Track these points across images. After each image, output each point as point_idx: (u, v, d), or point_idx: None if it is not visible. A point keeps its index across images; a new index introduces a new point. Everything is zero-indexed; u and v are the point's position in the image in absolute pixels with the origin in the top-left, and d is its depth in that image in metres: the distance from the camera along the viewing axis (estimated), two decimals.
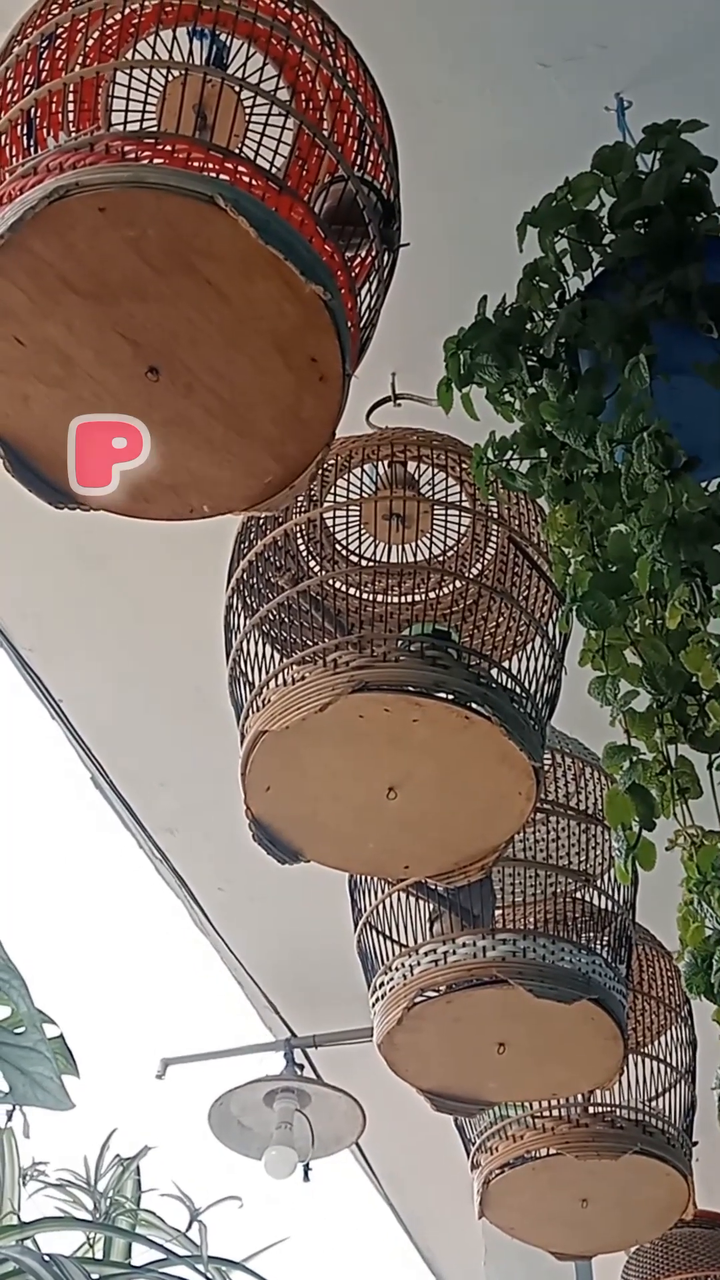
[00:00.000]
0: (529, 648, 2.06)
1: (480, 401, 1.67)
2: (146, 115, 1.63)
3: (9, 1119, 1.59)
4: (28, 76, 1.58)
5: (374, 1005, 2.30)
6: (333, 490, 2.09)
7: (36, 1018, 1.15)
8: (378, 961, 2.31)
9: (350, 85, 1.64)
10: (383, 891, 2.32)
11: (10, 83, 1.59)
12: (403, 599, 2.15)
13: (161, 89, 1.63)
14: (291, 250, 1.43)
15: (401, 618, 2.10)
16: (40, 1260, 1.28)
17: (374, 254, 1.64)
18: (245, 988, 3.58)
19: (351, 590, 2.13)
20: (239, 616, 2.04)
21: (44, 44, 1.58)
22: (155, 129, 1.60)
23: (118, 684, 2.92)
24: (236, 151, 1.54)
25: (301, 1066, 3.48)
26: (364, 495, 2.08)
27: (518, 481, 1.65)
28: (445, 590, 2.16)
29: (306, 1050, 3.54)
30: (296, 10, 1.64)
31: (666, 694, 1.48)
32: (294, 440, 1.59)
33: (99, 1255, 1.62)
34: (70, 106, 1.62)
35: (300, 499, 2.02)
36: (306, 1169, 3.35)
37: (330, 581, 2.11)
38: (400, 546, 2.12)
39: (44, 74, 1.59)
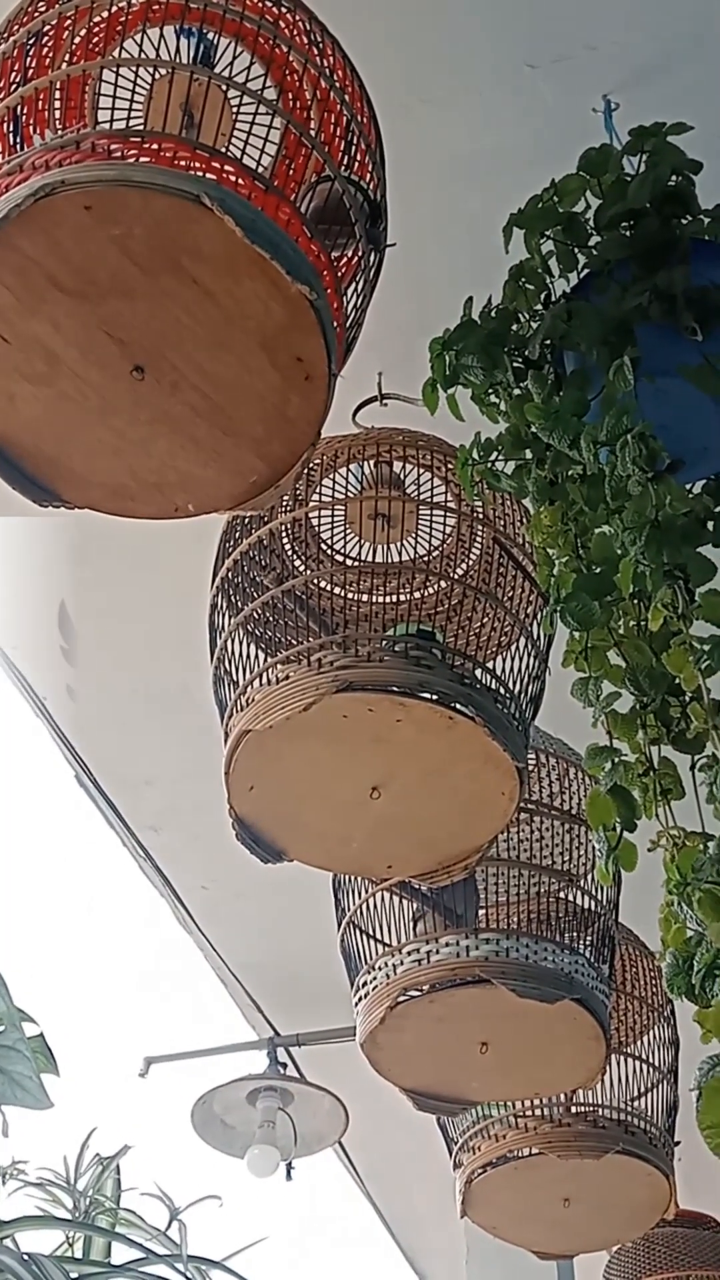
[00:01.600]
0: (513, 648, 2.06)
1: (465, 402, 1.67)
2: (133, 113, 1.63)
3: None
4: (14, 74, 1.58)
5: (357, 1004, 2.30)
6: (318, 489, 2.09)
7: (16, 1016, 1.15)
8: (361, 961, 2.31)
9: (337, 85, 1.64)
10: (366, 891, 2.32)
11: None
12: (388, 599, 2.14)
13: (148, 87, 1.62)
14: (278, 250, 1.43)
15: (386, 618, 2.10)
16: (19, 1259, 1.28)
17: (360, 254, 1.64)
18: (229, 986, 3.58)
19: (336, 590, 2.13)
20: (223, 615, 2.04)
21: (30, 41, 1.58)
22: (142, 127, 1.59)
23: (102, 682, 2.92)
24: (223, 150, 1.54)
25: (285, 1065, 3.48)
26: (349, 495, 2.08)
27: (503, 482, 1.65)
28: (430, 590, 2.16)
29: (290, 1049, 3.54)
30: (284, 9, 1.64)
31: (649, 695, 1.48)
32: (280, 439, 1.59)
33: (78, 1254, 1.62)
34: (57, 104, 1.62)
35: (285, 498, 2.02)
36: (289, 1168, 3.36)
37: (315, 581, 2.11)
38: (385, 546, 2.12)
39: (30, 71, 1.58)
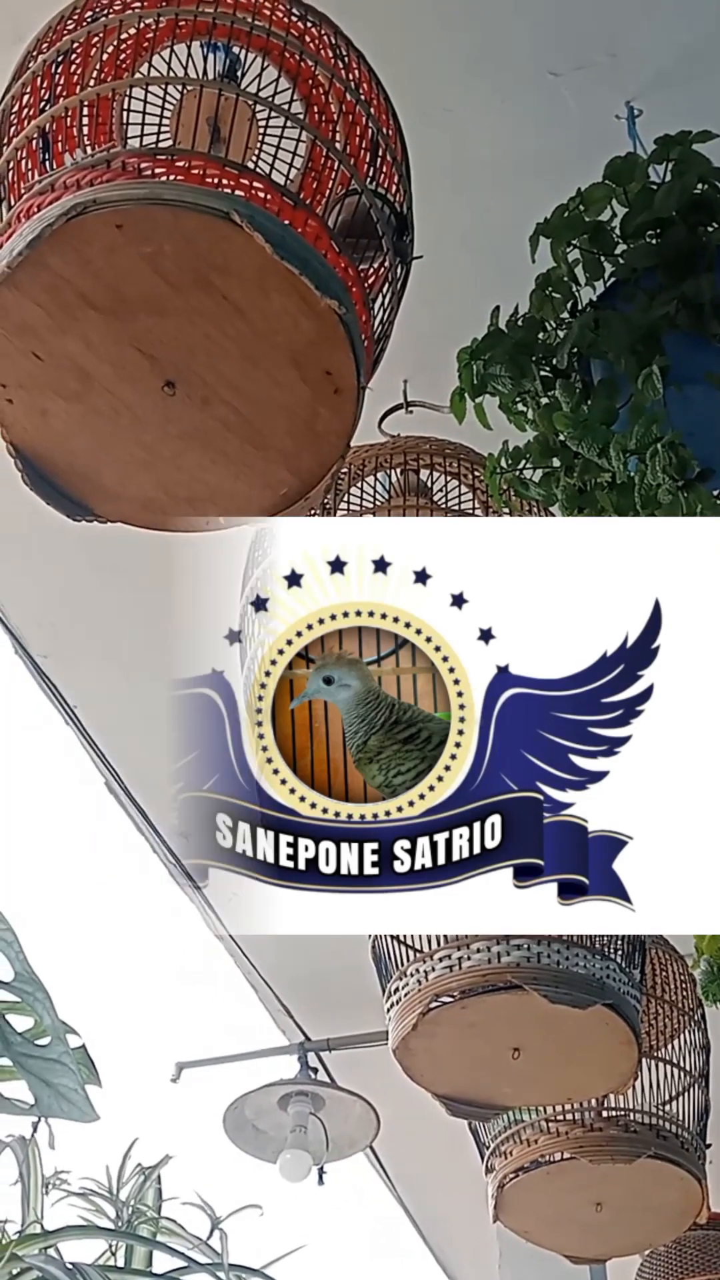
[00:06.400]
0: None
1: (493, 410, 1.68)
2: (161, 130, 1.64)
3: (34, 1130, 1.60)
4: (43, 93, 1.59)
5: (389, 1010, 2.31)
6: (345, 499, 2.10)
7: (60, 1029, 1.16)
8: (392, 966, 2.32)
9: (363, 98, 1.65)
10: None
11: (26, 99, 1.60)
12: None
13: (176, 104, 1.64)
14: (306, 265, 1.43)
15: None
16: (64, 1268, 1.29)
17: (387, 266, 1.65)
18: (259, 991, 3.59)
19: None
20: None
21: (59, 60, 1.59)
22: (171, 145, 1.61)
23: (132, 690, 2.93)
24: (251, 166, 1.55)
25: (315, 1070, 3.48)
26: (377, 503, 2.09)
27: (531, 491, 1.66)
28: None
29: (320, 1054, 3.55)
30: (309, 24, 1.64)
31: None
32: (309, 452, 1.60)
33: (121, 1263, 1.63)
34: (85, 123, 1.63)
35: (314, 509, 2.03)
36: (321, 1172, 3.36)
37: None
38: None
39: (59, 90, 1.60)
